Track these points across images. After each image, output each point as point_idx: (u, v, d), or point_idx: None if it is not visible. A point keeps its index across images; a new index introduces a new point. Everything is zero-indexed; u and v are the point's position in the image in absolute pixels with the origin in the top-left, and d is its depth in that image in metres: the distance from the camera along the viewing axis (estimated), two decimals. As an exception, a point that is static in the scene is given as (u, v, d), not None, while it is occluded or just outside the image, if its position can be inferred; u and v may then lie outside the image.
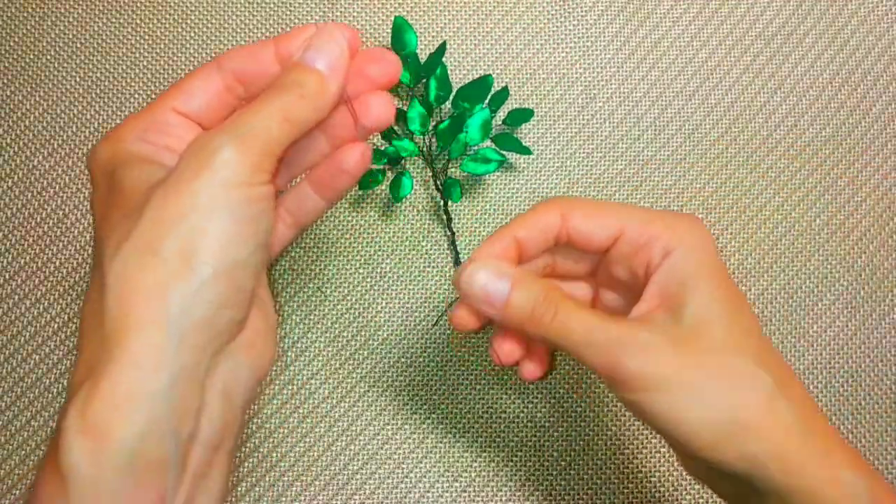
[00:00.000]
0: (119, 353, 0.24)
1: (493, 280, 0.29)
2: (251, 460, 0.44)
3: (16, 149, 0.47)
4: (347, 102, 0.29)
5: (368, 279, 0.46)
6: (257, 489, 0.43)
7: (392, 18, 0.47)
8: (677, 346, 0.27)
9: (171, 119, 0.28)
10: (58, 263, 0.46)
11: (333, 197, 0.32)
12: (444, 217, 0.46)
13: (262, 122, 0.25)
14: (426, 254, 0.46)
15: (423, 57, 0.46)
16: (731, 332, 0.27)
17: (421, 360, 0.45)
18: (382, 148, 0.46)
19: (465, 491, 0.44)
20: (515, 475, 0.44)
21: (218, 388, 0.26)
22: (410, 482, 0.44)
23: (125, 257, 0.24)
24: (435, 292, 0.46)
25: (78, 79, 0.48)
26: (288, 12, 0.49)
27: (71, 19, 0.48)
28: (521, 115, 0.46)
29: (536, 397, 0.45)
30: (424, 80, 0.45)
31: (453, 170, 0.46)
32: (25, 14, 0.48)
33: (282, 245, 0.32)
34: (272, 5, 0.49)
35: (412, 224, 0.46)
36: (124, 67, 0.48)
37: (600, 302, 0.34)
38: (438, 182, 0.45)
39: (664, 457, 0.44)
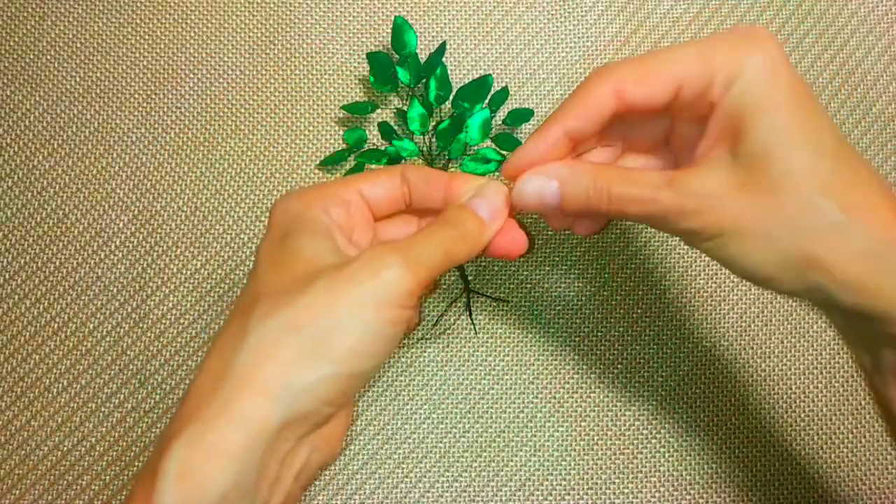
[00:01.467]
0: (233, 410, 0.25)
1: (539, 188, 0.30)
2: (251, 460, 0.44)
3: (16, 149, 0.47)
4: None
5: (368, 279, 0.46)
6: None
7: (392, 18, 0.47)
8: (736, 189, 0.26)
9: (354, 199, 0.31)
10: (58, 263, 0.46)
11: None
12: (444, 217, 0.46)
13: (429, 253, 0.28)
14: (426, 254, 0.46)
15: (423, 57, 0.46)
16: (794, 160, 0.25)
17: (421, 360, 0.45)
18: (382, 147, 0.46)
19: (465, 491, 0.44)
20: (515, 475, 0.44)
21: (293, 467, 0.28)
22: (411, 482, 0.44)
23: (273, 325, 0.26)
24: (435, 292, 0.46)
25: (78, 79, 0.48)
26: (288, 12, 0.49)
27: (71, 19, 0.48)
28: (521, 115, 0.46)
29: (537, 397, 0.45)
30: (424, 80, 0.45)
31: (453, 170, 0.46)
32: (25, 14, 0.48)
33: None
34: (272, 5, 0.49)
35: (412, 224, 0.47)
36: (124, 67, 0.48)
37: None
38: (438, 182, 0.45)
39: (664, 457, 0.44)
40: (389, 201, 0.32)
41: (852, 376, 0.45)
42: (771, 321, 0.46)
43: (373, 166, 0.45)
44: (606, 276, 0.46)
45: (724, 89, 0.27)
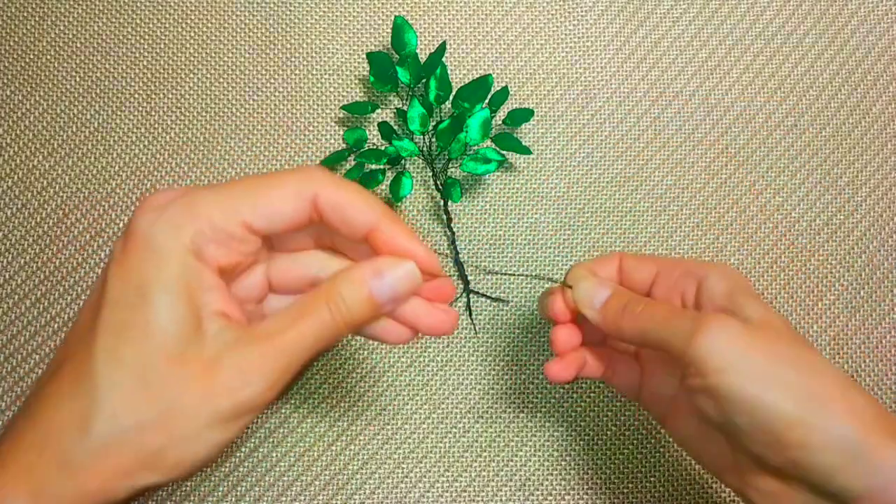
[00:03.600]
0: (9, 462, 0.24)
1: (595, 288, 0.33)
2: (251, 460, 0.44)
3: (16, 149, 0.47)
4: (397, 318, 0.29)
5: (368, 279, 0.46)
6: (257, 489, 0.43)
7: (392, 18, 0.47)
8: (749, 332, 0.28)
9: (238, 232, 0.26)
10: (58, 263, 0.46)
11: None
12: (444, 217, 0.46)
13: (298, 355, 0.25)
14: (426, 254, 0.46)
15: (423, 57, 0.46)
16: (794, 333, 0.30)
17: (421, 360, 0.45)
18: (382, 147, 0.46)
19: (465, 491, 0.44)
20: (515, 475, 0.44)
21: None
22: (410, 482, 0.44)
23: (117, 431, 0.24)
24: (435, 292, 0.46)
25: (78, 79, 0.48)
26: (288, 12, 0.49)
27: (71, 19, 0.48)
28: (521, 115, 0.46)
29: (536, 397, 0.45)
30: (424, 80, 0.45)
31: (453, 170, 0.46)
32: (25, 14, 0.48)
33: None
34: (272, 5, 0.49)
35: (412, 224, 0.46)
36: (124, 67, 0.48)
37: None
38: (438, 182, 0.45)
39: (664, 457, 0.44)
40: (290, 225, 0.26)
41: (852, 376, 0.45)
42: (771, 321, 0.46)
43: (373, 166, 0.45)
44: (606, 276, 0.46)
45: (696, 284, 0.32)
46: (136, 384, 0.24)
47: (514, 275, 0.46)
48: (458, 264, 0.46)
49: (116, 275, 0.25)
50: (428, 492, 0.44)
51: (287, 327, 0.25)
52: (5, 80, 0.48)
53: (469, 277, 0.46)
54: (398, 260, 0.27)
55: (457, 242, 0.46)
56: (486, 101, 0.45)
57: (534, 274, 0.46)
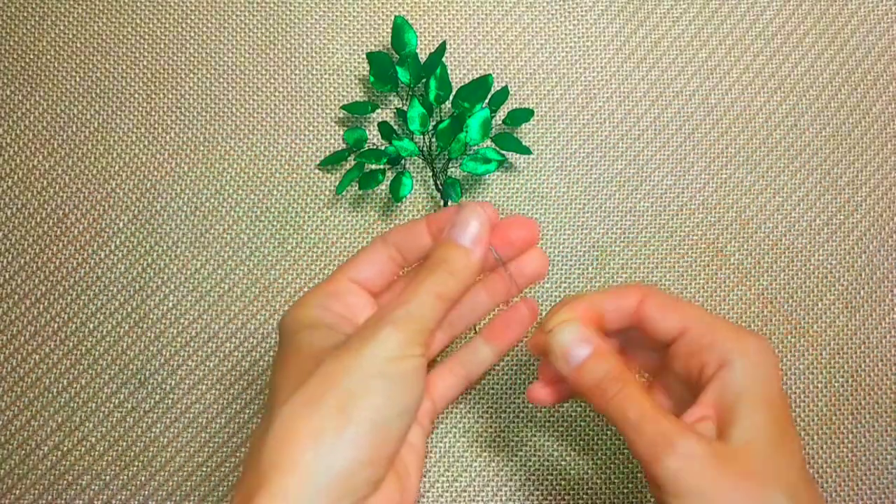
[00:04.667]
0: (270, 487, 0.26)
1: (576, 342, 0.31)
2: (251, 460, 0.44)
3: (16, 149, 0.47)
4: (503, 266, 0.34)
5: (368, 279, 0.46)
6: (257, 489, 0.43)
7: (392, 18, 0.47)
8: (718, 464, 0.28)
9: (346, 287, 0.33)
10: (58, 263, 0.46)
11: (504, 347, 0.37)
12: (444, 217, 0.46)
13: (418, 305, 0.29)
14: (426, 254, 0.46)
15: (423, 57, 0.46)
16: (772, 462, 0.28)
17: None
18: (382, 147, 0.46)
19: (465, 491, 0.44)
20: (515, 475, 0.44)
21: None
22: (410, 482, 0.44)
23: (292, 406, 0.28)
24: (435, 292, 0.46)
25: (78, 79, 0.48)
26: (288, 12, 0.49)
27: (71, 19, 0.48)
28: (521, 115, 0.46)
29: (536, 397, 0.45)
30: (424, 80, 0.45)
31: (453, 170, 0.46)
32: (25, 14, 0.48)
33: (449, 398, 0.36)
34: (272, 5, 0.49)
35: (412, 224, 0.46)
36: (124, 67, 0.48)
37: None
38: (438, 182, 0.45)
39: (664, 457, 0.44)
40: (383, 273, 0.34)
41: (852, 376, 0.45)
42: (771, 321, 0.46)
43: (373, 166, 0.45)
44: (607, 276, 0.46)
45: (718, 364, 0.30)
46: (303, 370, 0.29)
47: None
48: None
49: (278, 350, 0.32)
50: (428, 492, 0.44)
51: (406, 294, 0.30)
52: (5, 80, 0.48)
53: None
54: (466, 212, 0.32)
55: (457, 242, 0.46)
56: (486, 101, 0.45)
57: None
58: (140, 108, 0.48)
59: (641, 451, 0.29)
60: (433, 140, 0.45)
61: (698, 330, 0.31)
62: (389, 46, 0.48)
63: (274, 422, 0.28)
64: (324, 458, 0.27)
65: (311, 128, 0.48)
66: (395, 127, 0.46)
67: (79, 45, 0.48)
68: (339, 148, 0.47)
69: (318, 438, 0.27)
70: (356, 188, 0.46)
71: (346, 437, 0.27)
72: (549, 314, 0.33)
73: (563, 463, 0.44)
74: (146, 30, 0.48)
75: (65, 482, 0.43)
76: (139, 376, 0.44)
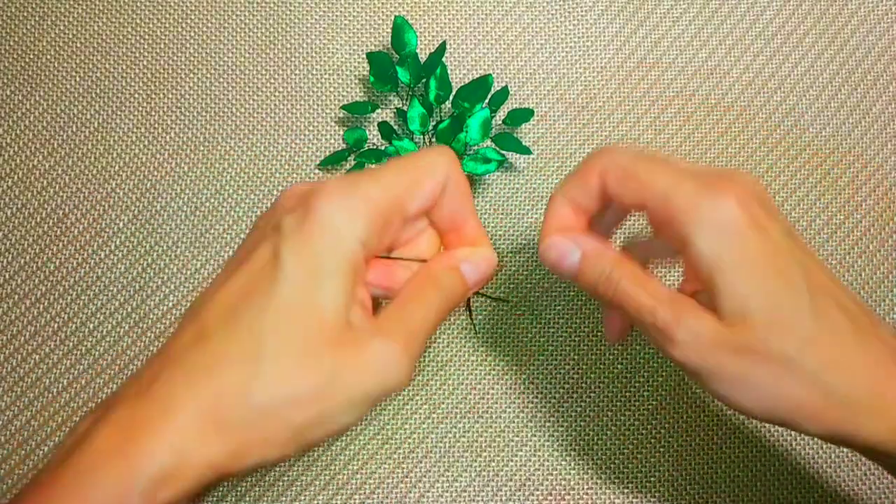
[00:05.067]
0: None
1: (561, 255, 0.31)
2: (251, 460, 0.44)
3: (16, 149, 0.47)
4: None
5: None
6: (257, 489, 0.43)
7: (392, 18, 0.47)
8: (719, 340, 0.27)
9: (396, 220, 0.28)
10: (58, 263, 0.46)
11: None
12: (444, 217, 0.46)
13: (425, 331, 0.28)
14: (426, 254, 0.46)
15: (423, 57, 0.46)
16: (770, 321, 0.27)
17: (421, 360, 0.45)
18: (382, 147, 0.46)
19: (464, 491, 0.44)
20: (515, 475, 0.44)
21: None
22: (411, 482, 0.44)
23: (283, 393, 0.25)
24: (435, 292, 0.46)
25: (78, 79, 0.48)
26: (288, 12, 0.49)
27: (71, 19, 0.48)
28: (521, 115, 0.46)
29: (536, 397, 0.45)
30: (424, 80, 0.45)
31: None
32: (25, 14, 0.48)
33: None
34: (272, 5, 0.49)
35: (412, 224, 0.47)
36: (124, 67, 0.48)
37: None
38: (438, 182, 0.45)
39: (664, 457, 0.44)
40: (426, 209, 0.30)
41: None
42: (771, 321, 0.46)
43: (373, 166, 0.45)
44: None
45: (682, 240, 0.28)
46: (297, 360, 0.25)
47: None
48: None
49: (293, 251, 0.26)
50: (428, 492, 0.44)
51: (412, 313, 0.28)
52: (5, 80, 0.48)
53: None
54: (478, 248, 0.31)
55: (457, 242, 0.46)
56: (486, 101, 0.45)
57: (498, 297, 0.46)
58: (140, 108, 0.48)
59: (656, 340, 0.29)
60: (433, 140, 0.45)
61: (654, 205, 0.28)
62: (389, 46, 0.48)
63: (256, 393, 0.25)
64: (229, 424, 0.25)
65: (311, 128, 0.48)
66: (395, 127, 0.46)
67: (79, 45, 0.48)
68: (339, 148, 0.47)
69: (224, 395, 0.25)
70: (356, 188, 0.46)
71: (278, 456, 0.26)
72: (542, 227, 0.32)
73: (563, 463, 0.44)
74: (146, 30, 0.48)
75: (65, 482, 0.43)
76: (139, 376, 0.44)
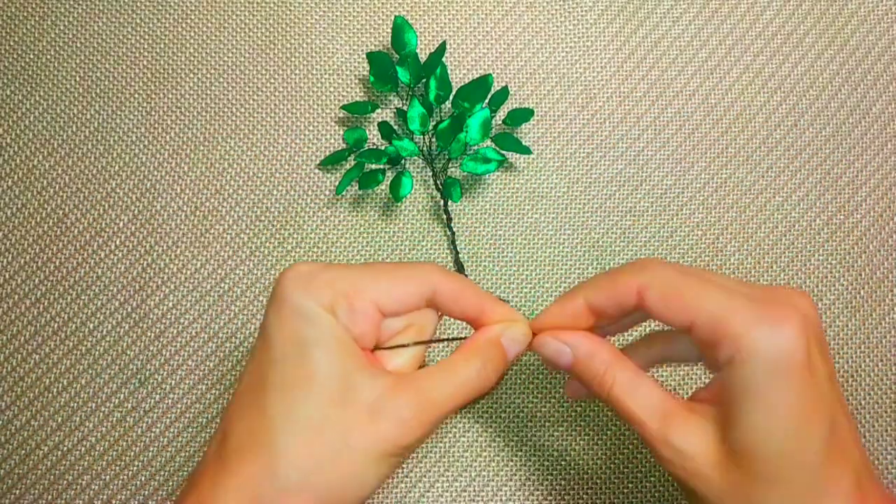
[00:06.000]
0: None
1: (558, 354, 0.32)
2: (251, 460, 0.44)
3: (16, 149, 0.47)
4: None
5: (368, 279, 0.46)
6: (257, 489, 0.43)
7: (392, 18, 0.47)
8: (716, 467, 0.27)
9: (370, 310, 0.29)
10: (58, 263, 0.46)
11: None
12: (444, 217, 0.46)
13: (447, 401, 0.29)
14: (426, 254, 0.46)
15: (423, 57, 0.46)
16: (773, 470, 0.26)
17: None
18: (382, 147, 0.46)
19: (464, 491, 0.44)
20: (515, 475, 0.44)
21: None
22: (410, 482, 0.44)
23: (289, 476, 0.27)
24: (435, 292, 0.46)
25: (78, 79, 0.48)
26: (288, 12, 0.49)
27: (71, 19, 0.48)
28: (521, 115, 0.46)
29: (536, 397, 0.45)
30: (424, 80, 0.45)
31: (453, 170, 0.46)
32: (25, 14, 0.48)
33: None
34: (272, 5, 0.49)
35: (412, 224, 0.46)
36: (124, 67, 0.48)
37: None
38: (438, 182, 0.45)
39: (664, 457, 0.44)
40: (408, 309, 0.31)
41: (852, 376, 0.45)
42: (771, 321, 0.46)
43: (373, 166, 0.45)
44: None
45: (726, 360, 0.27)
46: (309, 431, 0.27)
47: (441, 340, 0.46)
48: (458, 264, 0.46)
49: (276, 335, 0.28)
50: (428, 492, 0.44)
51: (441, 385, 0.29)
52: (5, 80, 0.48)
53: (469, 277, 0.46)
54: (513, 323, 0.32)
55: (457, 242, 0.46)
56: (486, 100, 0.45)
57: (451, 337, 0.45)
58: (140, 108, 0.48)
59: (647, 445, 0.29)
60: (433, 140, 0.45)
61: (704, 326, 0.27)
62: (389, 46, 0.48)
63: (271, 482, 0.27)
64: None
65: (311, 128, 0.48)
66: (395, 127, 0.46)
67: (79, 45, 0.48)
68: (339, 148, 0.47)
69: (254, 478, 0.27)
70: (356, 188, 0.46)
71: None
72: (540, 314, 0.33)
73: (563, 462, 0.44)
74: (146, 30, 0.48)
75: (65, 482, 0.43)
76: (139, 376, 0.44)
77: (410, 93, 0.46)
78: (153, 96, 0.48)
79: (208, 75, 0.48)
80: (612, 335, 0.35)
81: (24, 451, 0.43)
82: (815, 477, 0.26)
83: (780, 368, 0.26)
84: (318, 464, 0.27)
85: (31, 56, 0.48)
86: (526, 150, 0.45)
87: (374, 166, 0.45)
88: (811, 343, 0.26)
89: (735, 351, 0.26)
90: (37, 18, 0.48)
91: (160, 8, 0.49)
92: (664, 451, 0.28)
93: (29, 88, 0.48)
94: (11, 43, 0.48)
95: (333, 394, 0.27)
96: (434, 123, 0.45)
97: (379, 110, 0.47)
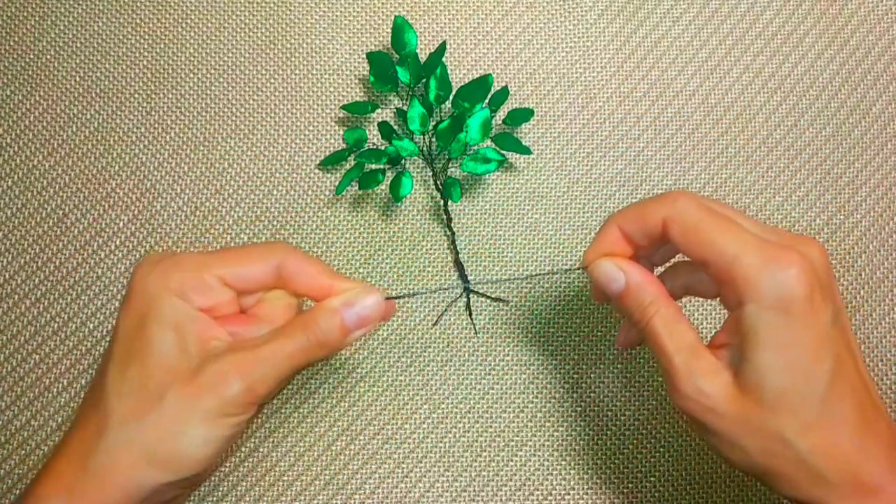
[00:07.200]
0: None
1: (611, 280, 0.32)
2: (251, 460, 0.44)
3: (16, 149, 0.47)
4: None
5: (368, 279, 0.46)
6: (257, 489, 0.43)
7: (392, 18, 0.47)
8: (729, 403, 0.29)
9: (216, 284, 0.31)
10: (58, 263, 0.46)
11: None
12: (444, 217, 0.46)
13: (274, 366, 0.30)
14: (426, 254, 0.46)
15: (423, 57, 0.46)
16: (781, 402, 0.28)
17: (421, 360, 0.45)
18: (382, 147, 0.46)
19: (464, 491, 0.44)
20: (515, 475, 0.44)
21: None
22: (410, 482, 0.44)
23: (127, 438, 0.29)
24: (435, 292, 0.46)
25: (78, 79, 0.48)
26: (288, 12, 0.49)
27: (71, 19, 0.48)
28: (521, 115, 0.46)
29: (537, 397, 0.45)
30: (424, 80, 0.45)
31: (453, 170, 0.46)
32: (25, 14, 0.48)
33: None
34: (272, 5, 0.49)
35: (412, 224, 0.46)
36: (124, 67, 0.48)
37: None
38: (438, 182, 0.45)
39: (664, 457, 0.44)
40: (258, 284, 0.32)
41: (852, 376, 0.45)
42: (771, 321, 0.46)
43: (373, 166, 0.45)
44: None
45: (736, 303, 0.29)
46: (138, 395, 0.30)
47: (523, 278, 0.46)
48: (458, 264, 0.46)
49: (122, 318, 0.31)
50: (428, 492, 0.44)
51: (264, 342, 0.30)
52: (5, 80, 0.48)
53: (469, 277, 0.46)
54: (363, 292, 0.32)
55: (457, 242, 0.46)
56: (486, 100, 0.45)
57: (544, 272, 0.46)
58: (140, 108, 0.48)
59: (668, 385, 0.31)
60: (433, 140, 0.45)
61: (717, 265, 0.29)
62: (389, 46, 0.48)
63: (106, 442, 0.29)
64: (134, 493, 0.29)
65: (311, 128, 0.48)
66: (395, 127, 0.46)
67: (79, 45, 0.48)
68: (339, 148, 0.47)
69: (136, 477, 0.29)
70: (356, 188, 0.46)
71: (160, 484, 0.29)
72: (589, 247, 0.34)
73: (563, 463, 0.44)
74: (146, 30, 0.48)
75: (65, 482, 0.43)
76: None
77: (410, 93, 0.46)
78: (153, 96, 0.48)
79: (208, 75, 0.48)
80: (657, 265, 0.36)
81: (24, 451, 0.43)
82: (819, 408, 0.28)
83: (783, 309, 0.28)
84: (142, 423, 0.29)
85: (31, 56, 0.48)
86: (526, 150, 0.45)
87: (374, 166, 0.45)
88: (814, 287, 0.28)
89: (743, 291, 0.28)
90: (37, 18, 0.48)
91: (160, 8, 0.49)
92: (685, 386, 0.30)
93: (29, 88, 0.48)
94: (11, 43, 0.48)
95: (164, 363, 0.29)
96: (434, 123, 0.45)
97: (379, 110, 0.47)
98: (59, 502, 0.29)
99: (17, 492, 0.43)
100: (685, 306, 0.46)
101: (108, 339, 0.45)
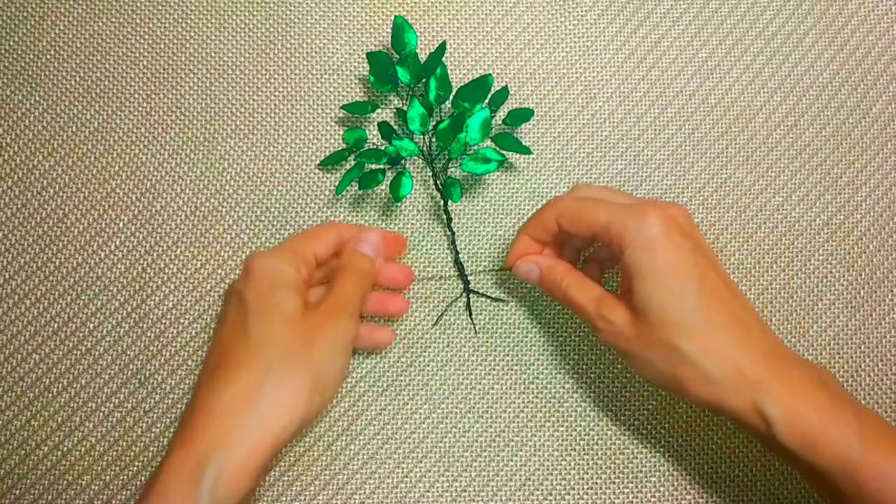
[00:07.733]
0: (255, 439, 0.36)
1: (526, 272, 0.42)
2: (251, 460, 0.44)
3: (16, 149, 0.47)
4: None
5: (368, 279, 0.46)
6: (257, 489, 0.43)
7: (392, 18, 0.47)
8: (630, 327, 0.37)
9: (309, 258, 0.40)
10: (58, 263, 0.46)
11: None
12: (444, 217, 0.46)
13: (355, 301, 0.40)
14: (426, 254, 0.46)
15: (423, 57, 0.46)
16: (663, 317, 0.36)
17: (421, 360, 0.45)
18: (382, 147, 0.46)
19: (464, 491, 0.44)
20: (515, 475, 0.44)
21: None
22: (410, 482, 0.44)
23: (291, 372, 0.37)
24: (435, 292, 0.46)
25: (78, 79, 0.48)
26: (288, 12, 0.49)
27: (71, 19, 0.49)
28: (521, 115, 0.46)
29: (537, 397, 0.45)
30: (424, 80, 0.45)
31: (453, 170, 0.46)
32: (25, 14, 0.48)
33: None
34: (272, 5, 0.49)
35: (412, 224, 0.46)
36: (124, 67, 0.48)
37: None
38: (438, 182, 0.45)
39: (664, 457, 0.44)
40: (331, 253, 0.42)
41: (852, 377, 0.45)
42: (771, 321, 0.46)
43: (373, 166, 0.45)
44: (606, 275, 0.46)
45: (619, 251, 0.37)
46: (290, 340, 0.37)
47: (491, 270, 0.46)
48: (458, 264, 0.46)
49: (246, 293, 0.38)
50: (428, 492, 0.44)
51: (337, 289, 0.40)
52: (5, 80, 0.48)
53: (469, 277, 0.46)
54: (367, 231, 0.43)
55: (457, 242, 0.46)
56: (486, 100, 0.45)
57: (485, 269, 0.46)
58: (140, 108, 0.48)
59: (591, 326, 0.39)
60: (433, 140, 0.45)
61: (598, 234, 0.38)
62: (389, 46, 0.48)
63: (271, 378, 0.36)
64: (290, 428, 0.36)
65: (311, 128, 0.48)
66: (395, 127, 0.46)
67: (79, 45, 0.48)
68: (339, 148, 0.47)
69: (297, 409, 0.36)
70: (356, 188, 0.46)
71: (313, 412, 0.37)
72: (509, 252, 0.43)
73: (563, 463, 0.44)
74: (146, 30, 0.48)
75: (65, 482, 0.43)
76: (139, 376, 0.44)
77: (410, 93, 0.46)
78: (153, 96, 0.48)
79: (208, 75, 0.48)
80: (581, 251, 0.44)
81: (24, 451, 0.43)
82: (693, 316, 0.35)
83: (648, 247, 0.36)
84: (303, 359, 0.37)
85: (31, 56, 0.48)
86: (526, 150, 0.45)
87: (374, 166, 0.45)
88: (671, 227, 0.36)
89: (619, 242, 0.37)
90: (37, 18, 0.48)
91: (160, 8, 0.49)
92: (600, 323, 0.38)
93: (29, 88, 0.48)
94: (11, 43, 0.48)
95: (297, 313, 0.38)
96: (434, 123, 0.45)
97: (379, 110, 0.47)
98: (224, 450, 0.34)
99: (17, 492, 0.43)
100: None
101: (108, 339, 0.45)
